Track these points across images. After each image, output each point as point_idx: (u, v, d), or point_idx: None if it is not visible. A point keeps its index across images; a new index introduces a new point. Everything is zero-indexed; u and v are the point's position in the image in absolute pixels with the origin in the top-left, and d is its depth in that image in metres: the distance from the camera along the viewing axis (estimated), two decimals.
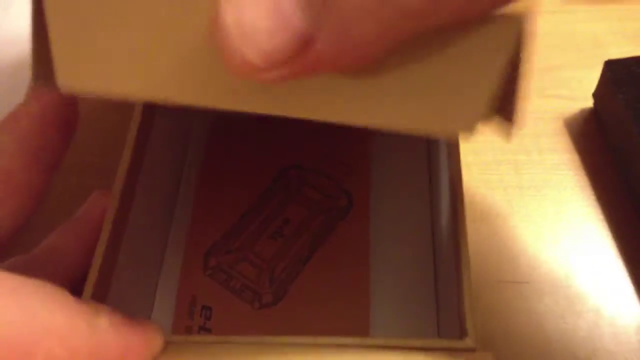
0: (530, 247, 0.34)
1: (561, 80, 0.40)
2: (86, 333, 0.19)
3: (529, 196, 0.36)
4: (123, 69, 0.20)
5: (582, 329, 0.31)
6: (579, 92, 0.39)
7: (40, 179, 0.24)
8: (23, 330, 0.17)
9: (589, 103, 0.39)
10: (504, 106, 0.19)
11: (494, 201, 0.35)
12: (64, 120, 0.25)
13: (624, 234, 0.34)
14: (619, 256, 0.34)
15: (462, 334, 0.23)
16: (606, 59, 0.36)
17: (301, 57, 0.16)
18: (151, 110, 0.31)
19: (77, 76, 0.20)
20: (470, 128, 0.19)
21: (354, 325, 0.31)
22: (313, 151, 0.36)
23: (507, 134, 0.20)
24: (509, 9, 0.17)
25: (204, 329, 0.31)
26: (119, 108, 0.36)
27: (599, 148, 0.37)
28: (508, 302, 0.32)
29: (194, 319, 0.31)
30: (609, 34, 0.42)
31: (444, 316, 0.30)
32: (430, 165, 0.36)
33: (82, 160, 0.35)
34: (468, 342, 0.23)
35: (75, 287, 0.24)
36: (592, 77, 0.38)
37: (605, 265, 0.33)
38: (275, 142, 0.37)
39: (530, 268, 0.33)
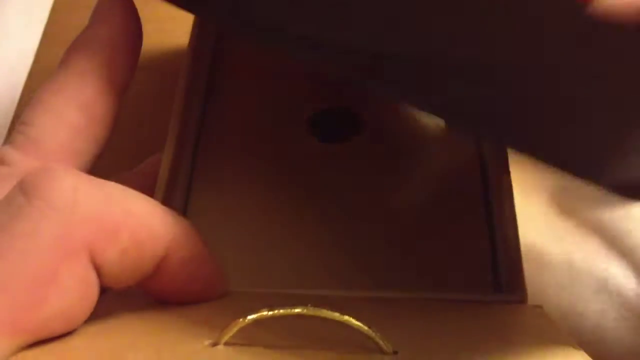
0: None
1: None
2: (166, 222, 0.19)
3: None
4: None
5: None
6: None
7: (114, 107, 0.23)
8: (109, 211, 0.18)
9: None
10: None
11: None
12: (131, 44, 0.24)
13: None
14: None
15: (514, 286, 0.22)
16: None
17: None
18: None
19: None
20: None
21: None
22: None
23: None
24: None
25: None
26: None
27: None
28: None
29: None
30: None
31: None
32: None
33: None
34: (519, 294, 0.22)
35: None
36: None
37: None
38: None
39: None
